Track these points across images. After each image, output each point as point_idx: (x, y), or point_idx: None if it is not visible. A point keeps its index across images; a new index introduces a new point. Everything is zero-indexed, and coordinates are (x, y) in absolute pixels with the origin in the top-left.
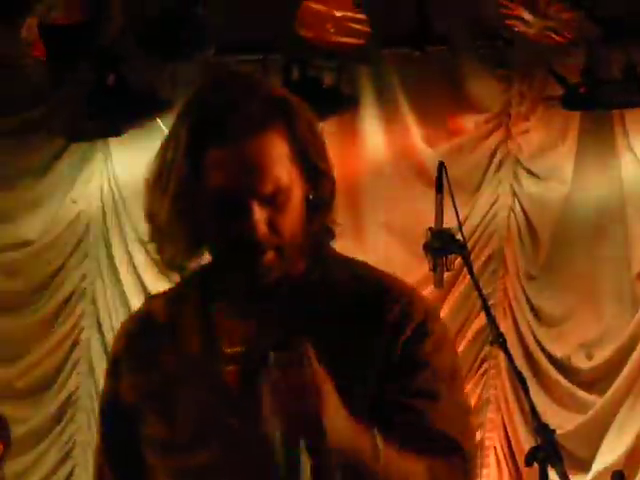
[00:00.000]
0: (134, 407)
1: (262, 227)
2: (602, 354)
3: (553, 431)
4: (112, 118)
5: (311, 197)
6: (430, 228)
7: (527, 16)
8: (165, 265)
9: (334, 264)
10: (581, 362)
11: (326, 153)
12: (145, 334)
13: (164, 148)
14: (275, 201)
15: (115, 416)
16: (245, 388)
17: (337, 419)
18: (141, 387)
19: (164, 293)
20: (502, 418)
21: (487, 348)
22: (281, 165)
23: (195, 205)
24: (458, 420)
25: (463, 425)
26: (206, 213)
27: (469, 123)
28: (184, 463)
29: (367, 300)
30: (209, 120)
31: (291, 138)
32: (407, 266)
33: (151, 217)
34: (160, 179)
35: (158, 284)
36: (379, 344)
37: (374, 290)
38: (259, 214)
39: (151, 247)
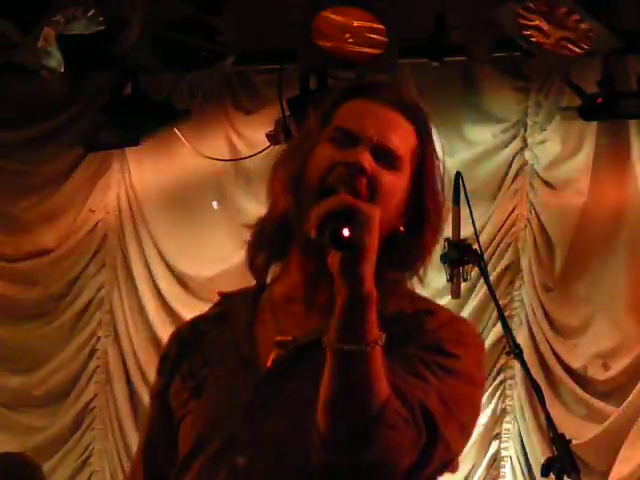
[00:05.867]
0: (176, 395)
1: (368, 161)
2: (619, 365)
3: (569, 441)
4: (129, 127)
5: (401, 229)
6: (447, 239)
7: (544, 26)
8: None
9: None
10: (597, 373)
11: (438, 201)
12: (194, 326)
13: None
14: (386, 160)
15: (161, 412)
16: (279, 372)
17: (369, 267)
18: (183, 370)
19: (232, 292)
20: (518, 428)
21: (503, 359)
22: (404, 145)
23: (311, 148)
24: (454, 412)
25: (457, 425)
26: (319, 150)
27: (486, 133)
28: (204, 439)
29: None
30: (360, 84)
31: (419, 151)
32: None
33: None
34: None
35: (175, 293)
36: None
37: (422, 308)
38: (368, 156)
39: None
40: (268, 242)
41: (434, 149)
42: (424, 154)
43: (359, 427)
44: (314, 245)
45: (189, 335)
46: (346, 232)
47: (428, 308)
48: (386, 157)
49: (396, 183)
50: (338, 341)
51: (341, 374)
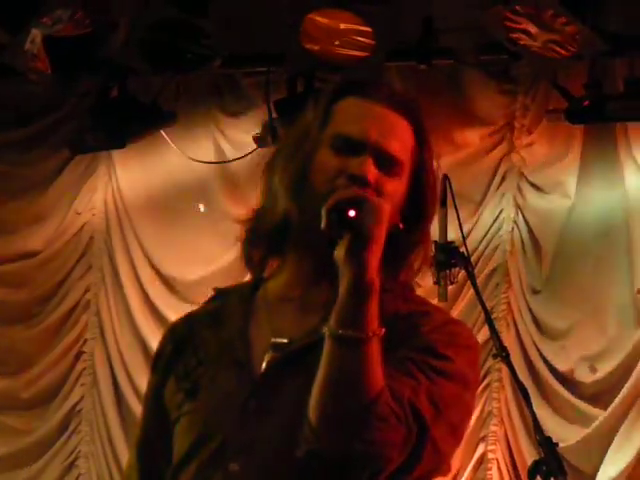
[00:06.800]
0: (170, 396)
1: (372, 173)
2: (605, 367)
3: (556, 444)
4: (116, 130)
5: (401, 227)
6: (434, 241)
7: (532, 29)
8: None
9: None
10: (584, 375)
11: (435, 196)
12: (188, 323)
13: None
14: (388, 167)
15: (155, 410)
16: (274, 375)
17: (374, 258)
18: (178, 370)
19: (225, 288)
20: (505, 431)
21: (490, 361)
22: (405, 149)
23: (312, 151)
24: (444, 414)
25: (447, 426)
26: (320, 156)
27: (473, 136)
28: (199, 442)
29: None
30: (355, 80)
31: (417, 151)
32: None
33: (266, 175)
34: (289, 134)
35: (161, 295)
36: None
37: (417, 310)
38: (372, 166)
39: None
40: (265, 240)
41: (431, 147)
42: (422, 154)
43: (351, 416)
44: (313, 245)
45: (183, 332)
46: (352, 213)
47: (422, 310)
48: (388, 164)
49: (398, 189)
50: (338, 327)
51: (338, 360)
